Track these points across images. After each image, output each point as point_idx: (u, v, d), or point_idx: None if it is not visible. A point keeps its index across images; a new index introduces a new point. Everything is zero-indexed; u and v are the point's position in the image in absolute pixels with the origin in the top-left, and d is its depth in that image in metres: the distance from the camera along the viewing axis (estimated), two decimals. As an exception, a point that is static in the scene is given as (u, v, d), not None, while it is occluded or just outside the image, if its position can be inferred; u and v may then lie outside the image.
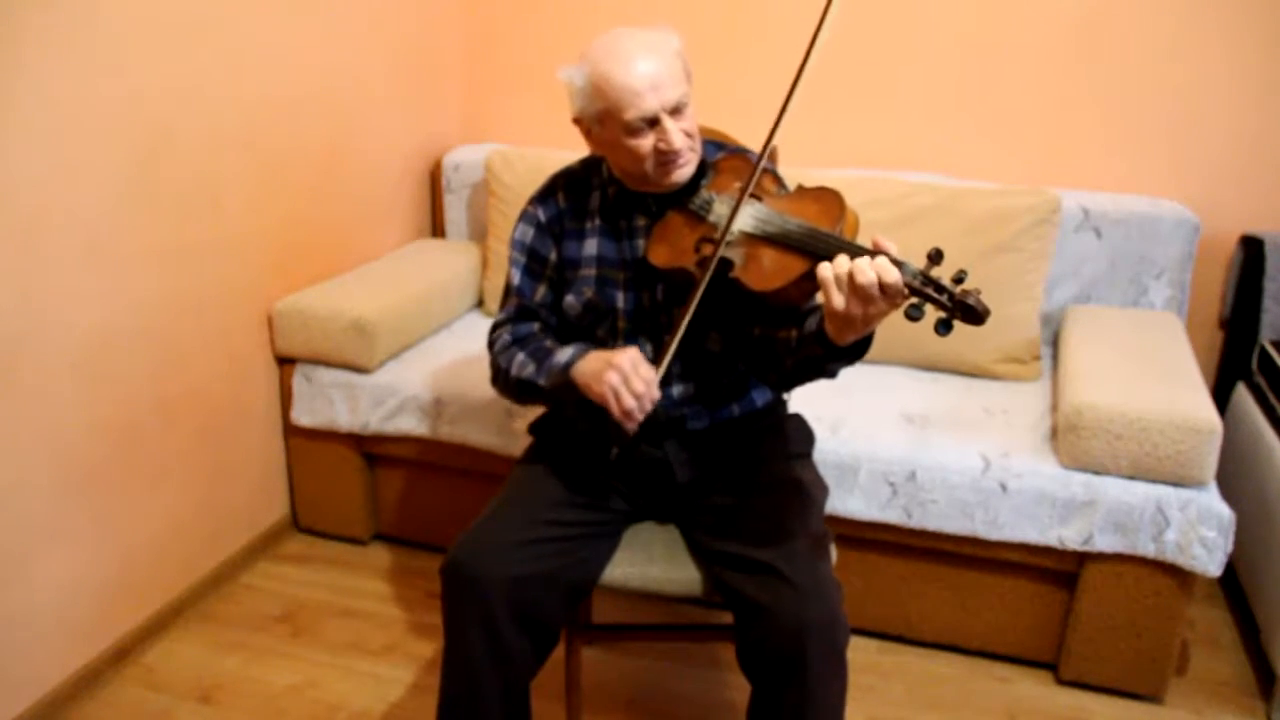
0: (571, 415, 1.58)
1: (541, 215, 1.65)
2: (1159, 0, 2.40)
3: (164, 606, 2.19)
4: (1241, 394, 2.37)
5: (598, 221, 1.62)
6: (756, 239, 1.41)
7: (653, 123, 1.46)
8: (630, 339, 1.60)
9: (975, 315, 1.19)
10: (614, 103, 1.45)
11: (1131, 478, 1.92)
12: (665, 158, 1.48)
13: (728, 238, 1.42)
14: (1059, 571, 2.02)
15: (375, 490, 2.52)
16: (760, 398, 1.69)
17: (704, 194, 1.52)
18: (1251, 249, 2.41)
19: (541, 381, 1.55)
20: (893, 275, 1.20)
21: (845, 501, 2.05)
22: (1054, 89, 2.53)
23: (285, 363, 2.44)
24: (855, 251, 1.26)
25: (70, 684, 1.96)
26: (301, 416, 2.42)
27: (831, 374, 1.43)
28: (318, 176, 2.49)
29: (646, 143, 1.47)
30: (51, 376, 1.84)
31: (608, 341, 1.62)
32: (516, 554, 1.47)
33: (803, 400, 1.94)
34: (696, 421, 1.63)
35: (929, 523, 2.02)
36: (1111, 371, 2.03)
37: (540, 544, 1.49)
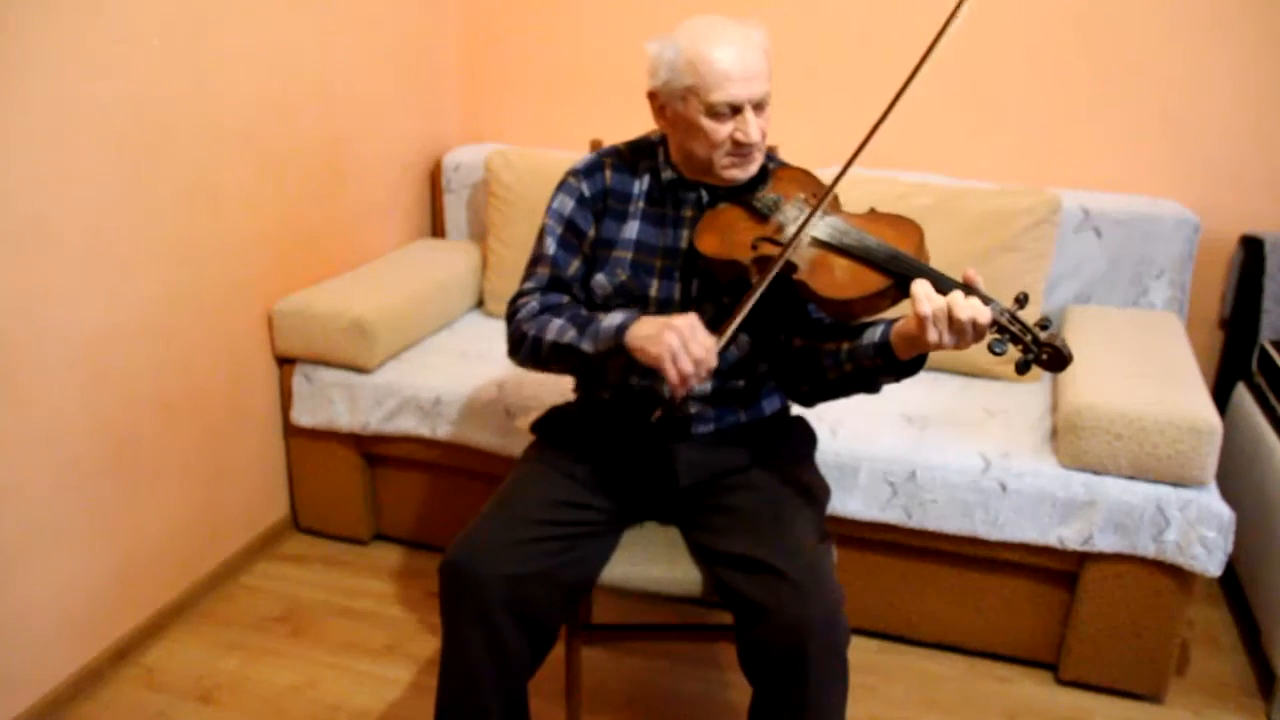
0: (615, 381, 1.55)
1: (586, 189, 1.61)
2: (1159, 0, 2.40)
3: (164, 606, 2.19)
4: (1241, 394, 2.37)
5: (642, 205, 1.61)
6: (830, 248, 1.43)
7: (736, 110, 1.46)
8: None
9: (1061, 360, 1.27)
10: (704, 81, 1.44)
11: (1131, 478, 1.92)
12: (739, 149, 1.49)
13: (798, 242, 1.42)
14: (1059, 571, 2.02)
15: (375, 490, 2.52)
16: (769, 406, 1.69)
17: (770, 195, 1.54)
18: (1251, 249, 2.41)
19: (586, 346, 1.49)
20: (986, 318, 1.27)
21: (845, 502, 2.05)
22: (1054, 89, 2.53)
23: (285, 363, 2.44)
24: (939, 279, 1.31)
25: (70, 684, 1.96)
26: (301, 416, 2.42)
27: (877, 388, 1.47)
28: (318, 176, 2.49)
29: (724, 129, 1.47)
30: (51, 376, 1.84)
31: None
32: (515, 553, 1.46)
33: (824, 402, 1.94)
34: (702, 425, 1.63)
35: (929, 523, 2.02)
36: (1111, 371, 2.03)
37: (539, 543, 1.49)
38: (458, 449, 2.32)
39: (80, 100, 1.82)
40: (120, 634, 2.08)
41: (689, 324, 1.39)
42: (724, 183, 1.54)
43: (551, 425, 1.74)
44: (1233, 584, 2.35)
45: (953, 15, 1.42)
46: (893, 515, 2.04)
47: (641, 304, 1.59)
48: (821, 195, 1.46)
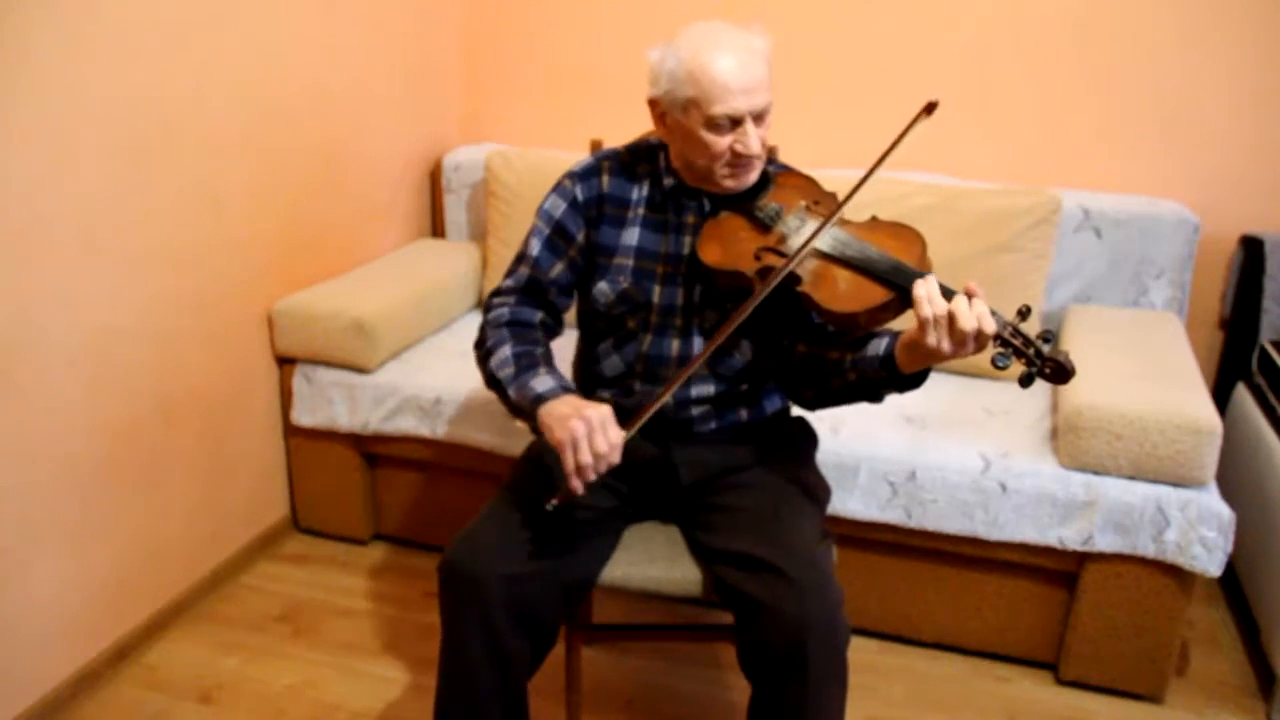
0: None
1: (579, 194, 1.61)
2: (1159, 1, 2.40)
3: (164, 606, 2.19)
4: (1241, 394, 2.37)
5: (642, 212, 1.60)
6: (832, 260, 1.43)
7: (736, 123, 1.45)
8: (659, 334, 1.59)
9: (1064, 374, 1.26)
10: (704, 93, 1.43)
11: (1131, 478, 1.92)
12: (738, 160, 1.48)
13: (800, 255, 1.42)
14: (1059, 571, 2.02)
15: (375, 490, 2.52)
16: (770, 406, 1.69)
17: (772, 205, 1.52)
18: (1251, 249, 2.41)
19: (511, 392, 1.50)
20: (990, 326, 1.26)
21: (845, 501, 2.05)
22: (1054, 89, 2.53)
23: (285, 363, 2.44)
24: (946, 292, 1.30)
25: (70, 684, 1.96)
26: (301, 416, 2.42)
27: (880, 399, 1.46)
28: (318, 176, 2.49)
29: (724, 141, 1.46)
30: (51, 377, 1.84)
31: (637, 333, 1.61)
32: (514, 553, 1.46)
33: (828, 408, 1.94)
34: (704, 425, 1.63)
35: (929, 523, 2.02)
36: (1111, 371, 2.03)
37: (538, 543, 1.49)
38: (457, 449, 2.32)
39: (80, 100, 1.82)
40: (120, 634, 2.08)
41: (600, 416, 1.36)
42: (724, 191, 1.54)
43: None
44: (1233, 584, 2.35)
45: (909, 127, 1.43)
46: (893, 515, 2.04)
47: (644, 310, 1.59)
48: (826, 217, 1.44)
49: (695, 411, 1.62)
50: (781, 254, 1.45)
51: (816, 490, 1.63)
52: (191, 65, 2.05)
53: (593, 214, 1.61)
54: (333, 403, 2.38)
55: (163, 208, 2.03)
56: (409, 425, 2.33)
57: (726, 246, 1.51)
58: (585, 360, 1.71)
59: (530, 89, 2.98)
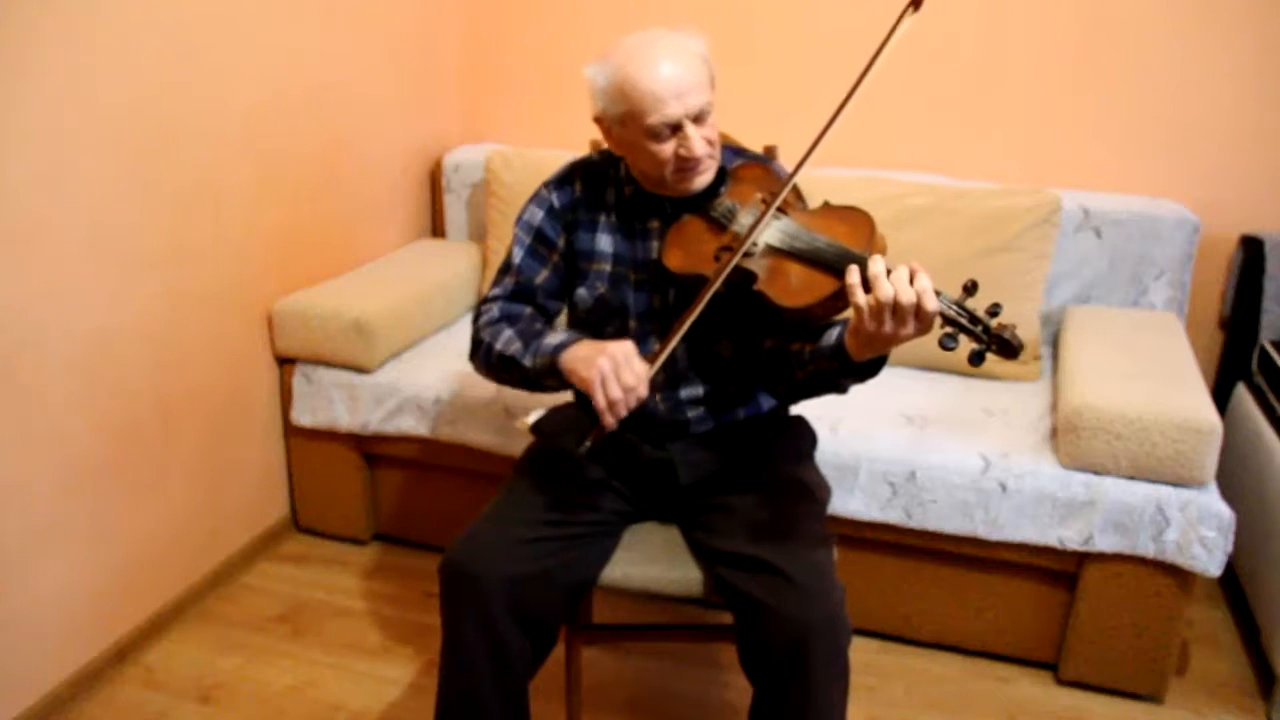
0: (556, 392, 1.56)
1: (556, 201, 1.63)
2: (1159, 0, 2.40)
3: (164, 606, 2.19)
4: (1241, 394, 2.37)
5: (612, 218, 1.61)
6: (783, 254, 1.41)
7: (675, 128, 1.44)
8: (640, 339, 1.59)
9: (1011, 350, 1.23)
10: (637, 106, 1.43)
11: (1131, 478, 1.92)
12: (685, 164, 1.47)
13: (751, 249, 1.41)
14: (1059, 571, 2.02)
15: (375, 490, 2.52)
16: (766, 403, 1.69)
17: (726, 203, 1.51)
18: (1251, 249, 2.41)
19: (527, 360, 1.51)
20: (932, 302, 1.22)
21: (845, 501, 2.05)
22: (1054, 89, 2.53)
23: (285, 363, 2.44)
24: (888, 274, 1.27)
25: (70, 684, 1.96)
26: (301, 416, 2.42)
27: (842, 389, 1.45)
28: (318, 176, 2.49)
29: (667, 148, 1.46)
30: (51, 377, 1.84)
31: (618, 339, 1.61)
32: (515, 553, 1.47)
33: (803, 401, 1.94)
34: (701, 424, 1.63)
35: (929, 523, 2.02)
36: (1111, 371, 2.03)
37: (539, 543, 1.49)
38: (458, 449, 2.32)
39: (80, 100, 1.82)
40: (120, 634, 2.08)
41: (623, 351, 1.38)
42: (682, 194, 1.53)
43: (550, 426, 1.74)
44: (1233, 584, 2.35)
45: (894, 28, 1.38)
46: (893, 515, 2.04)
47: (621, 316, 1.60)
48: (767, 206, 1.42)
49: (691, 413, 1.62)
50: (735, 252, 1.43)
51: (816, 490, 1.63)
52: (192, 65, 2.05)
53: (570, 219, 1.62)
54: (333, 403, 2.38)
55: (163, 208, 2.03)
56: (409, 425, 2.33)
57: (688, 250, 1.50)
58: None
59: (530, 89, 2.98)
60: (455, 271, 2.70)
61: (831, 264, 1.35)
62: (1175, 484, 1.89)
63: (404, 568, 2.45)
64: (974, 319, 1.24)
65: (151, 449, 2.09)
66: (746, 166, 1.58)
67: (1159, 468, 1.89)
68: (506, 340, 1.55)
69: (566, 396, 1.79)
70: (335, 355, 2.35)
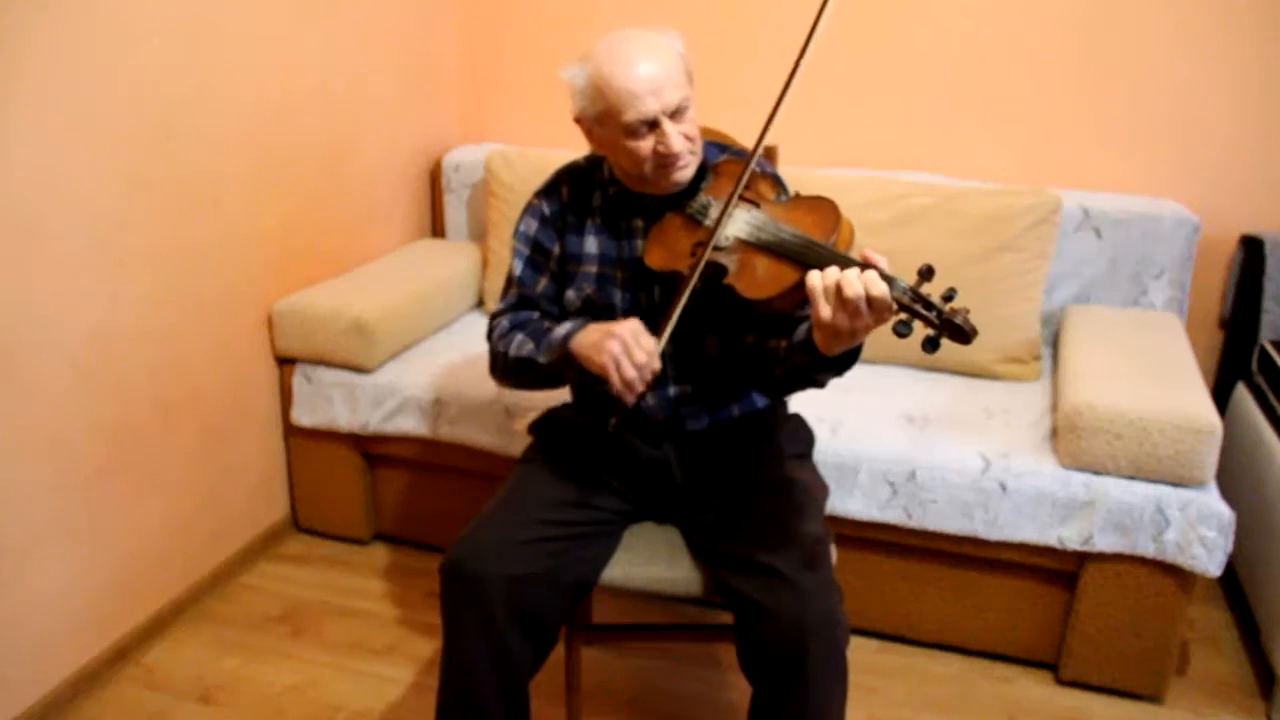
0: (574, 385, 1.59)
1: (546, 209, 1.65)
2: (1159, 1, 2.40)
3: (164, 606, 2.19)
4: (1241, 394, 2.37)
5: (598, 219, 1.62)
6: (751, 246, 1.41)
7: (652, 125, 1.45)
8: None
9: (962, 335, 1.20)
10: (614, 104, 1.44)
11: (1131, 478, 1.92)
12: (664, 160, 1.48)
13: (722, 244, 1.42)
14: (1059, 571, 2.02)
15: (375, 490, 2.52)
16: (760, 399, 1.69)
17: (701, 198, 1.52)
18: (1251, 249, 2.41)
19: (541, 357, 1.54)
20: (880, 289, 1.20)
21: (845, 501, 2.05)
22: (1054, 89, 2.53)
23: (285, 363, 2.44)
24: (845, 264, 1.25)
25: (70, 684, 1.96)
26: (301, 416, 2.42)
27: (820, 384, 1.44)
28: (318, 176, 2.49)
29: (646, 145, 1.47)
30: (51, 376, 1.84)
31: None
32: (516, 553, 1.47)
33: (803, 400, 1.94)
34: (695, 422, 1.63)
35: (929, 523, 2.02)
36: (1111, 371, 2.03)
37: (539, 543, 1.49)
38: (458, 449, 2.32)
39: (80, 100, 1.82)
40: (120, 634, 2.08)
41: (631, 330, 1.40)
42: (665, 191, 1.54)
43: (549, 426, 1.74)
44: (1233, 584, 2.35)
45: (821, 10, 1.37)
46: (893, 515, 2.04)
47: (609, 315, 1.60)
48: (729, 198, 1.43)
49: (683, 411, 1.62)
50: (705, 246, 1.44)
51: (815, 490, 1.63)
52: (192, 65, 2.05)
53: (560, 224, 1.64)
54: (332, 403, 2.38)
55: (163, 207, 2.03)
56: (409, 425, 2.33)
57: (667, 248, 1.51)
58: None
59: (530, 89, 2.98)
60: (455, 271, 2.71)
61: (796, 254, 1.35)
62: (1175, 484, 1.89)
63: (404, 568, 2.45)
64: (928, 305, 1.21)
65: (151, 449, 2.09)
66: (727, 162, 1.58)
67: (1159, 468, 1.89)
68: (519, 344, 1.59)
69: (565, 397, 1.79)
70: (335, 355, 2.35)
